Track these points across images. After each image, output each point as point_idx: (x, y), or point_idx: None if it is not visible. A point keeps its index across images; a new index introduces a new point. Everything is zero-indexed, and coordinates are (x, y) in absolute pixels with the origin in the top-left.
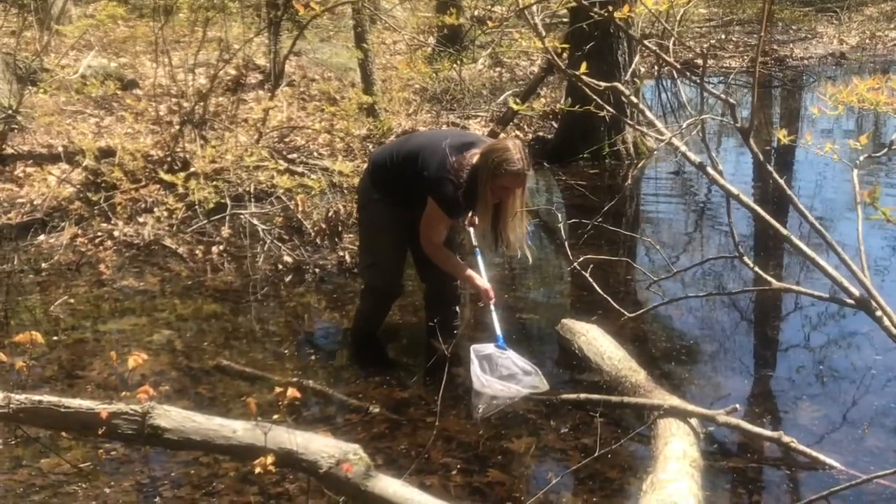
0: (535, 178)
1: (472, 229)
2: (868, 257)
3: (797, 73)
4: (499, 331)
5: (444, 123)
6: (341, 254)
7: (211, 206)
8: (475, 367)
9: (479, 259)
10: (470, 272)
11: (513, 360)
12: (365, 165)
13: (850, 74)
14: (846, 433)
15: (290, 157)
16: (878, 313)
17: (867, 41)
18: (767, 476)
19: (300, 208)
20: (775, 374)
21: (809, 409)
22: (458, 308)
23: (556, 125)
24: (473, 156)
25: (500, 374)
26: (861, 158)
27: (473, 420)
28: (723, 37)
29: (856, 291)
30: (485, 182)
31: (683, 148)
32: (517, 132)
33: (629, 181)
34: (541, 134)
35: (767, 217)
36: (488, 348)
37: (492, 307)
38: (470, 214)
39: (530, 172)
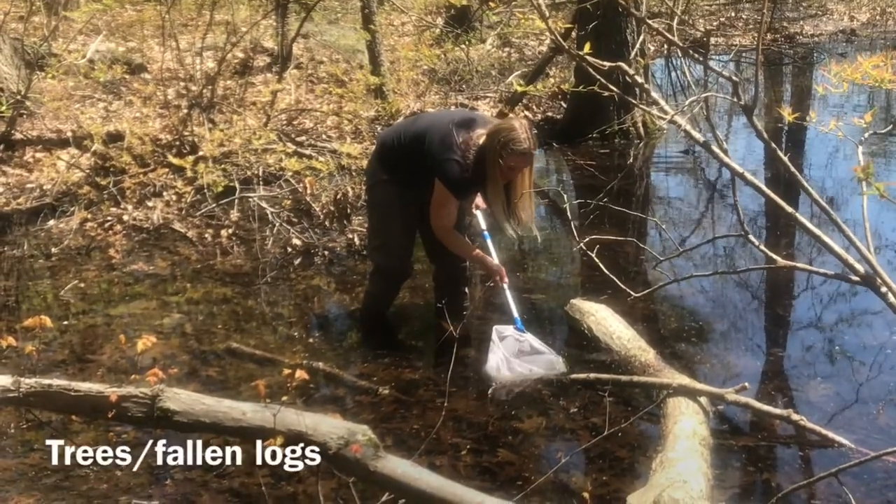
0: (545, 159)
1: (479, 212)
2: (879, 235)
3: (807, 51)
4: (515, 313)
5: (452, 104)
6: (350, 236)
7: (220, 189)
8: (497, 346)
9: (489, 241)
10: (479, 252)
11: (531, 343)
12: (373, 147)
13: (860, 51)
14: (858, 411)
15: (298, 139)
16: (884, 289)
17: (878, 17)
18: (777, 454)
19: (309, 191)
20: (786, 352)
21: (821, 388)
22: (467, 289)
23: (565, 105)
24: (480, 136)
25: (520, 355)
26: (865, 135)
27: (484, 398)
28: (732, 14)
29: (861, 268)
30: (492, 162)
31: (687, 126)
32: (526, 112)
33: (633, 160)
34: (550, 114)
35: (772, 195)
36: (508, 330)
37: (506, 288)
38: (479, 198)
39: (537, 151)
